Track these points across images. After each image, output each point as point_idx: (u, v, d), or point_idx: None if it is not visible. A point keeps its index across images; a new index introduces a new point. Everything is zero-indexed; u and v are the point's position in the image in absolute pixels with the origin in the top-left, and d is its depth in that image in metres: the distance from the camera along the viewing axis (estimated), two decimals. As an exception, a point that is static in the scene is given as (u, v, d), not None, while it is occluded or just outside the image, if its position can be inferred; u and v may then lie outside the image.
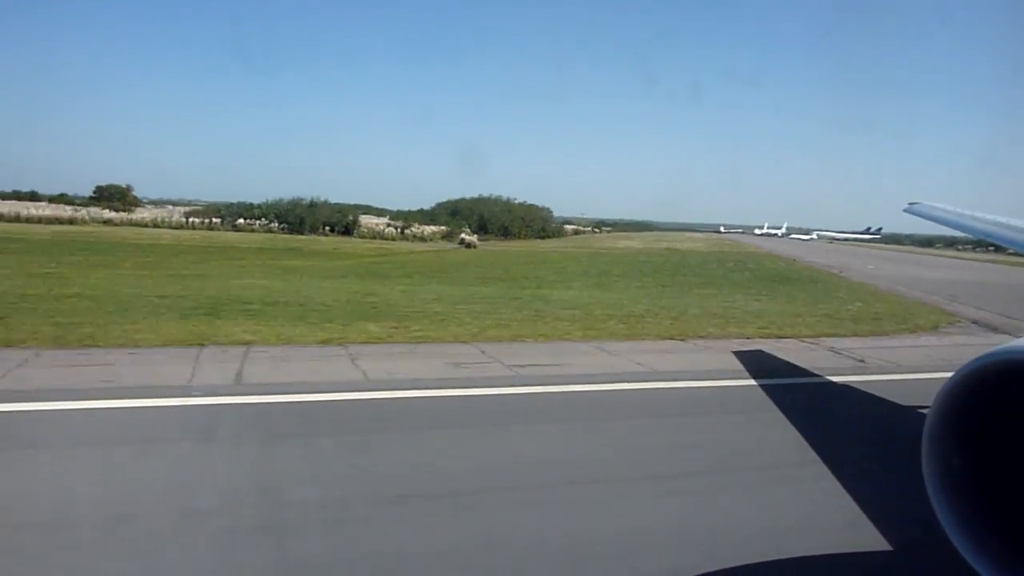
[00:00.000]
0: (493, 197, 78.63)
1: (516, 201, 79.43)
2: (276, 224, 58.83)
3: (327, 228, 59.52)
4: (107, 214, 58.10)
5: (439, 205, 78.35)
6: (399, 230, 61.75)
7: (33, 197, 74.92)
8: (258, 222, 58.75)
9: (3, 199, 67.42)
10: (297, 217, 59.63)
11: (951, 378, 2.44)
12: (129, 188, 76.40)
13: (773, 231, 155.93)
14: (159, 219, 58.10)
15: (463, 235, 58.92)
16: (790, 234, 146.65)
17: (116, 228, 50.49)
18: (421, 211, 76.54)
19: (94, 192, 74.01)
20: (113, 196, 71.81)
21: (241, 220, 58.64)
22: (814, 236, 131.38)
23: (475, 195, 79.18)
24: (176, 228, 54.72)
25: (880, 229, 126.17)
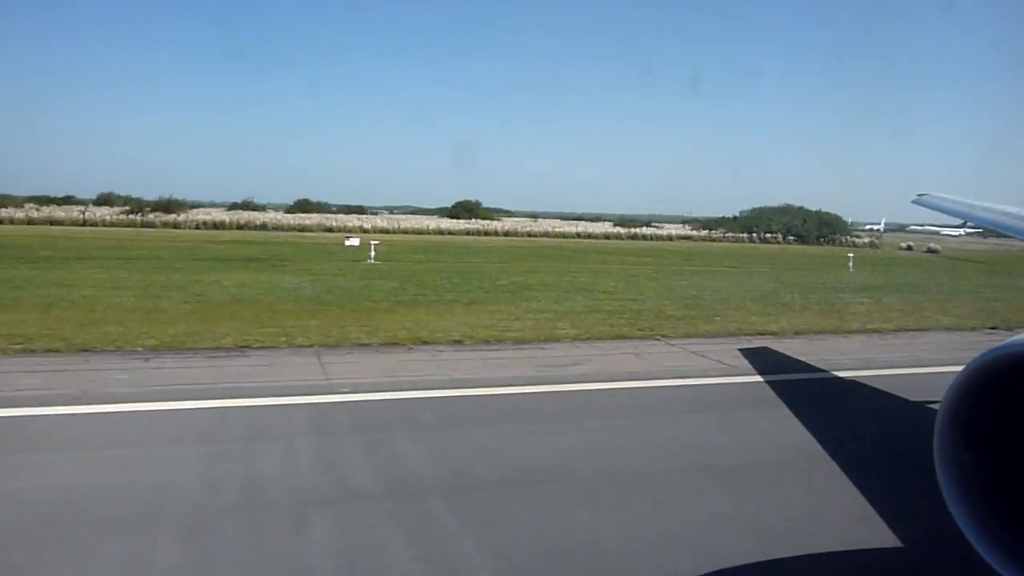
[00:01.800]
0: (796, 206, 78.37)
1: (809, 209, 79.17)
2: (743, 235, 69.57)
3: (788, 237, 69.39)
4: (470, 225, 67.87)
5: (743, 213, 78.79)
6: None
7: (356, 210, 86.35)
8: (727, 233, 70.26)
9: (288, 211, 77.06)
10: (758, 230, 70.37)
11: (960, 373, 2.37)
12: (478, 203, 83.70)
13: (870, 225, 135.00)
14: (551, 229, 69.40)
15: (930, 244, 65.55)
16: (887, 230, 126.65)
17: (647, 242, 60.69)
18: (733, 218, 78.34)
19: (453, 205, 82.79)
20: (468, 210, 79.23)
21: (717, 232, 71.05)
22: (962, 232, 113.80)
23: (778, 204, 79.32)
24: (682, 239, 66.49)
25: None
